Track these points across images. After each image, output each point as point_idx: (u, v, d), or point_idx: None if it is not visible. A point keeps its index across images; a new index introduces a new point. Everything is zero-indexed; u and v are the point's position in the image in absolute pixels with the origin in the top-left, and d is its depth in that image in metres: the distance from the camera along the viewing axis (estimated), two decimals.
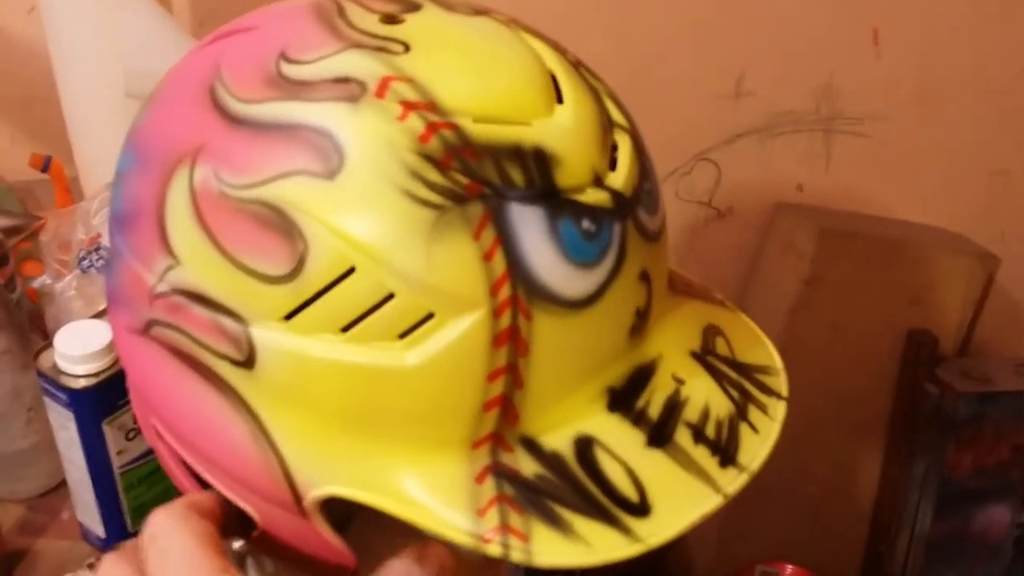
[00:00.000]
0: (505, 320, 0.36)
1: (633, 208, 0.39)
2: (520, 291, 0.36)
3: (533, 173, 0.36)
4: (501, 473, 0.38)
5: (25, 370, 0.71)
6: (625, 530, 0.37)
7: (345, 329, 0.36)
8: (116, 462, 0.68)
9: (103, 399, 0.65)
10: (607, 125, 0.40)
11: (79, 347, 0.65)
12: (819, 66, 1.20)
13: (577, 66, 0.42)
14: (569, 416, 0.39)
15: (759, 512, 1.29)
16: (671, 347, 0.42)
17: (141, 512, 0.71)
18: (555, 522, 0.37)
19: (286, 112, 0.37)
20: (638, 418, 0.39)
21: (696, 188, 1.27)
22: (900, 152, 1.26)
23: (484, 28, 0.41)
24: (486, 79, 0.38)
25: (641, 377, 0.40)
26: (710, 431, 0.40)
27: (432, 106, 0.37)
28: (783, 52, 1.19)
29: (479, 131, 0.36)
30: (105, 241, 0.85)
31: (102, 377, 0.65)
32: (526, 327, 0.36)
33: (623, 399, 0.40)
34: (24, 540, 0.74)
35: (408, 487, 0.38)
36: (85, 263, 0.84)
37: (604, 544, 0.37)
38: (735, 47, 1.19)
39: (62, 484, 0.77)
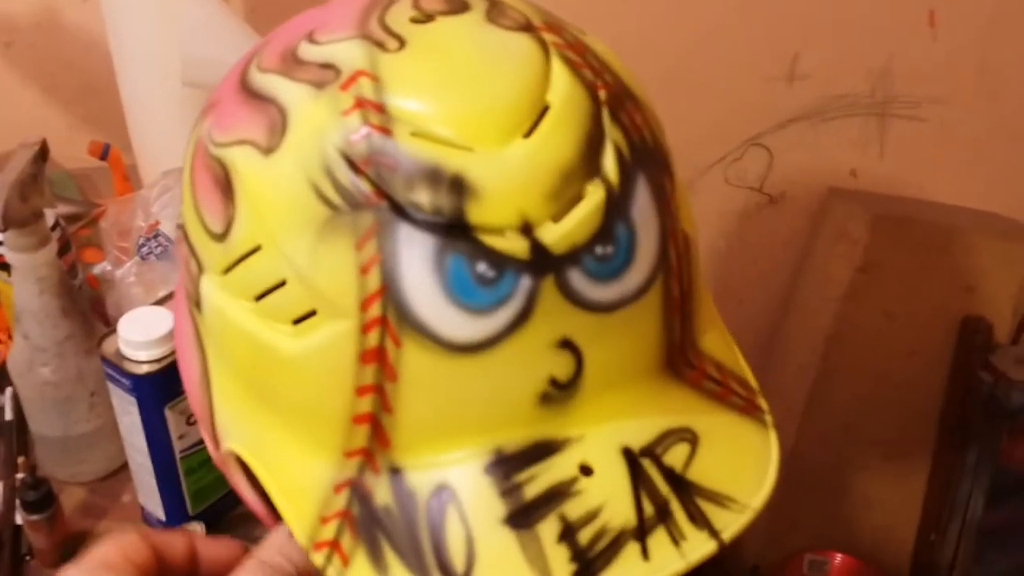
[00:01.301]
0: (373, 339, 0.35)
1: (561, 267, 0.35)
2: (390, 314, 0.35)
3: (442, 201, 0.34)
4: (357, 491, 0.38)
5: (88, 355, 0.73)
6: None
7: (257, 299, 0.38)
8: (177, 446, 0.69)
9: (165, 385, 0.67)
10: (580, 175, 0.36)
11: (142, 333, 0.66)
12: (875, 49, 1.18)
13: (618, 109, 0.38)
14: (443, 461, 0.37)
15: (809, 500, 1.28)
16: (600, 434, 0.37)
17: (201, 496, 0.73)
18: (376, 559, 0.37)
19: (272, 86, 0.39)
20: (509, 491, 0.36)
21: (747, 173, 1.26)
22: (957, 137, 1.24)
23: (504, 45, 0.38)
24: (452, 95, 0.36)
25: (540, 452, 0.37)
26: (584, 536, 0.36)
27: (381, 108, 0.36)
28: (838, 35, 1.18)
29: (408, 144, 0.35)
30: (164, 228, 0.86)
31: (164, 363, 0.66)
32: (394, 352, 0.35)
33: (505, 466, 0.37)
34: (86, 522, 0.76)
35: (281, 470, 0.39)
36: (144, 250, 0.86)
37: None
38: (789, 29, 1.17)
39: (123, 468, 0.78)
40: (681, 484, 0.38)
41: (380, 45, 0.37)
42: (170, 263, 0.86)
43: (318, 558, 0.37)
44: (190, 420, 0.69)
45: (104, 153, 0.99)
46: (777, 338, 1.31)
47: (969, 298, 1.22)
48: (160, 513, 0.72)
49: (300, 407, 0.39)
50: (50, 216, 0.78)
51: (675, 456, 0.38)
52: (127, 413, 0.69)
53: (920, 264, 1.22)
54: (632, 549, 0.36)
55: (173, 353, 0.66)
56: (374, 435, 0.37)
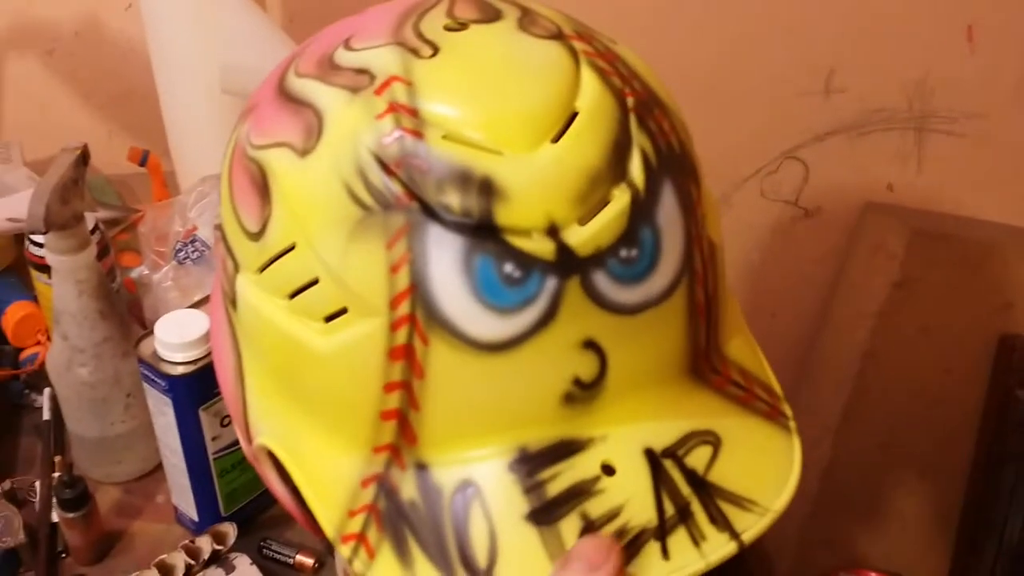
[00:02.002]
0: (401, 336, 0.36)
1: (586, 269, 0.36)
2: (419, 312, 0.36)
3: (471, 202, 0.35)
4: (384, 486, 0.38)
5: (125, 357, 0.73)
6: None
7: (291, 297, 0.39)
8: (211, 447, 0.70)
9: (200, 386, 0.67)
10: (607, 179, 0.37)
11: (178, 335, 0.66)
12: (912, 64, 1.18)
13: (646, 115, 0.39)
14: (468, 457, 0.37)
15: (842, 518, 1.27)
16: (623, 434, 0.38)
17: (234, 497, 0.73)
18: (402, 553, 0.37)
19: (309, 90, 0.40)
20: (532, 488, 0.37)
21: (783, 187, 1.25)
22: (996, 152, 1.22)
23: (535, 52, 0.39)
24: (483, 100, 0.37)
25: (563, 451, 0.37)
26: (605, 533, 0.36)
27: (414, 112, 0.37)
28: (875, 49, 1.17)
29: (439, 147, 0.36)
30: (201, 233, 0.87)
31: (199, 365, 0.67)
32: (422, 350, 0.36)
33: (529, 464, 0.37)
34: (121, 522, 0.76)
35: (311, 464, 0.40)
36: (181, 255, 0.87)
37: None
38: (826, 43, 1.17)
39: (157, 469, 0.79)
40: (702, 486, 0.38)
41: (414, 52, 0.38)
42: (206, 268, 0.87)
43: (345, 551, 0.38)
44: (224, 422, 0.69)
45: (143, 159, 1.00)
46: (812, 354, 1.30)
47: (1007, 315, 1.21)
48: (193, 513, 0.73)
49: (330, 403, 0.39)
50: (90, 220, 0.79)
51: (697, 458, 0.39)
52: (162, 414, 0.69)
53: (957, 280, 1.21)
54: (652, 548, 0.36)
55: (208, 355, 0.66)
56: (401, 431, 0.38)
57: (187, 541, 0.71)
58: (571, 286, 0.36)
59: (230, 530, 0.72)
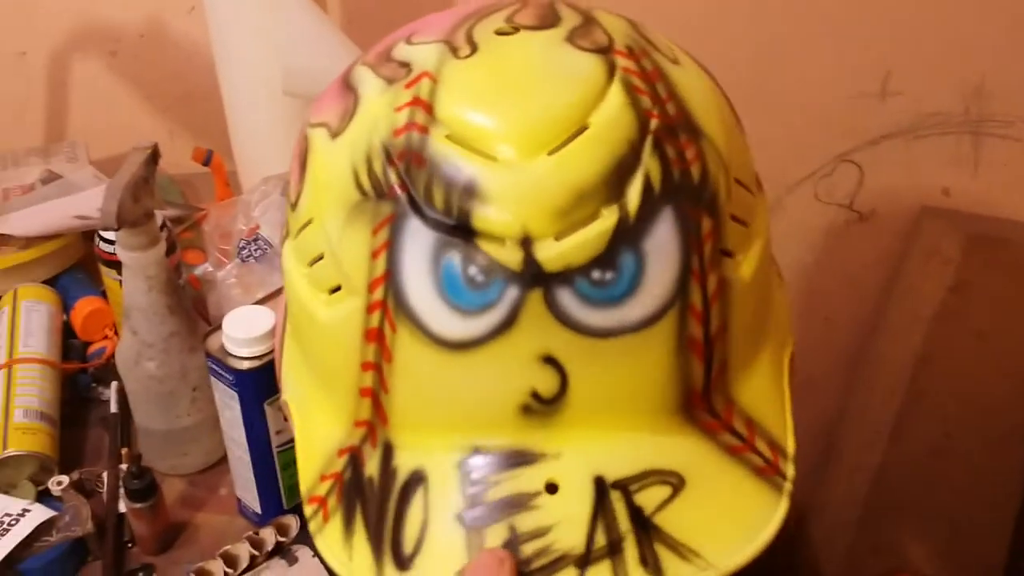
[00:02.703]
0: (375, 320, 0.38)
1: (551, 284, 0.36)
2: (390, 299, 0.37)
3: (452, 202, 0.36)
4: (354, 458, 0.40)
5: (192, 352, 0.75)
6: (379, 569, 0.38)
7: (309, 267, 0.41)
8: (275, 441, 0.71)
9: (265, 381, 0.69)
10: (598, 198, 0.36)
11: (245, 331, 0.68)
12: (969, 67, 1.17)
13: (665, 139, 0.38)
14: (428, 446, 0.39)
15: (892, 524, 1.26)
16: (578, 456, 0.38)
17: (296, 490, 0.74)
18: (348, 524, 0.39)
19: (360, 77, 0.42)
20: (473, 489, 0.37)
21: (837, 190, 1.25)
22: None
23: (567, 64, 0.38)
24: (494, 106, 0.37)
25: (513, 460, 0.38)
26: (526, 549, 0.36)
27: (429, 108, 0.38)
28: (931, 52, 1.16)
29: (440, 145, 0.37)
30: (264, 232, 0.88)
31: (265, 360, 0.68)
32: (391, 336, 0.37)
33: (477, 466, 0.38)
34: (185, 513, 0.78)
35: (310, 427, 0.43)
36: (244, 253, 0.88)
37: (359, 568, 0.38)
38: (882, 46, 1.16)
39: (220, 462, 0.80)
40: (645, 525, 0.37)
41: (454, 51, 0.39)
42: (268, 266, 0.88)
43: (308, 510, 0.41)
44: (287, 416, 0.70)
45: (207, 159, 1.02)
46: (865, 357, 1.29)
47: None
48: (256, 506, 0.74)
49: (327, 372, 0.42)
50: (158, 217, 0.81)
51: (649, 497, 0.38)
52: (228, 408, 0.71)
53: (1013, 285, 1.19)
54: (568, 575, 0.36)
55: (273, 351, 0.68)
56: (375, 410, 0.40)
57: (251, 532, 0.73)
58: (532, 298, 0.36)
59: (292, 522, 0.73)
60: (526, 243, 0.36)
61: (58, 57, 1.17)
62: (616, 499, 0.37)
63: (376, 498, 0.39)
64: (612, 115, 0.37)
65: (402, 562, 0.38)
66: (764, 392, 0.42)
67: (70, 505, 0.75)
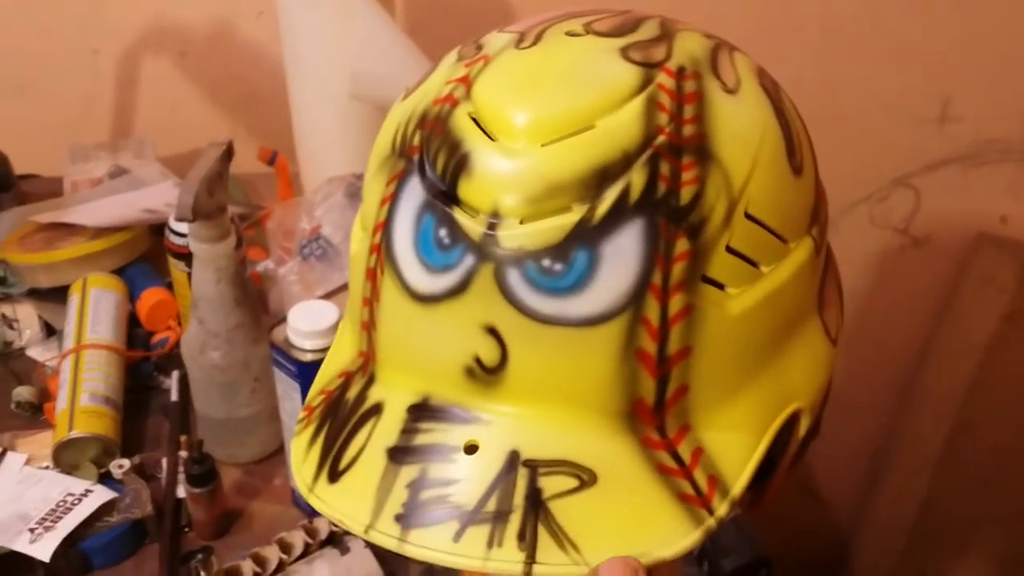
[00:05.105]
0: (372, 260, 0.41)
1: (503, 261, 0.38)
2: (383, 244, 0.41)
3: (448, 169, 0.39)
4: (346, 382, 0.44)
5: (255, 344, 0.77)
6: (318, 475, 0.41)
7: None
8: None
9: None
10: (572, 194, 0.38)
11: (310, 324, 0.70)
12: None
13: (663, 157, 0.38)
14: (394, 385, 0.42)
15: (939, 553, 1.24)
16: (503, 428, 0.40)
17: None
18: (315, 436, 0.43)
19: (451, 53, 0.45)
20: (408, 431, 0.40)
21: (892, 214, 1.25)
22: None
23: (604, 72, 0.40)
24: (516, 95, 0.39)
25: (449, 416, 0.40)
26: (425, 494, 0.39)
27: (469, 86, 0.41)
28: (992, 79, 1.16)
29: (459, 119, 0.40)
30: (325, 231, 0.90)
31: (327, 352, 0.69)
32: (380, 279, 0.41)
33: (421, 412, 0.41)
34: (241, 501, 0.80)
35: (337, 349, 0.47)
36: (306, 251, 0.90)
37: (306, 471, 0.42)
38: (943, 71, 1.16)
39: (276, 452, 0.82)
40: (536, 505, 0.38)
41: (519, 42, 0.42)
42: (328, 264, 0.90)
43: (300, 415, 0.45)
44: None
45: (272, 159, 1.04)
46: (915, 384, 1.29)
47: None
48: None
49: (351, 302, 0.45)
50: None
51: (553, 483, 0.39)
52: (290, 398, 0.72)
53: None
54: (450, 527, 0.38)
55: None
56: (368, 343, 0.43)
57: (305, 521, 0.74)
58: (484, 270, 0.38)
59: None
60: (493, 220, 0.38)
61: (129, 56, 1.20)
62: (521, 475, 0.39)
63: (342, 419, 0.42)
64: (620, 123, 0.38)
65: (334, 476, 0.41)
66: (733, 434, 0.41)
67: (131, 488, 0.77)
